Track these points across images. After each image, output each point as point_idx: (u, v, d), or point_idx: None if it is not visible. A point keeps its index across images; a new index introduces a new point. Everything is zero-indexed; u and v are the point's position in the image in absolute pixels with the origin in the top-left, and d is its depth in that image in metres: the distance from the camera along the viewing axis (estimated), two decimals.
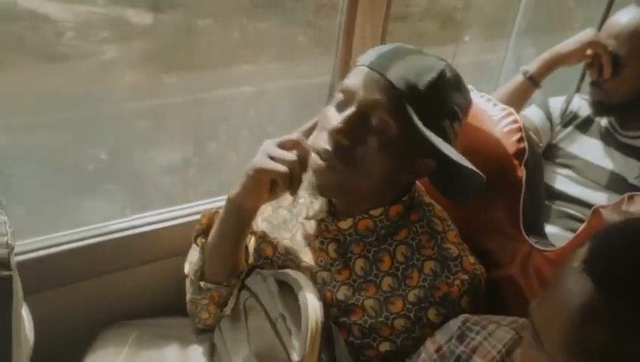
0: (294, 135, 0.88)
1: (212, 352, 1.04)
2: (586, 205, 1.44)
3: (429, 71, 0.83)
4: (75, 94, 1.99)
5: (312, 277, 0.93)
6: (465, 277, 0.86)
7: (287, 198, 0.99)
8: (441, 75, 0.83)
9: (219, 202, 1.26)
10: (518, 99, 1.49)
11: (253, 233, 1.04)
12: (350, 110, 0.82)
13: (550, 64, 1.47)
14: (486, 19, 2.94)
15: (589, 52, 1.42)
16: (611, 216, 0.81)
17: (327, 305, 0.90)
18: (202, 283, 0.95)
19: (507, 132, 0.99)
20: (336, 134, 0.82)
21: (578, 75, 1.83)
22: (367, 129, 0.82)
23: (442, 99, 0.84)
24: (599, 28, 1.51)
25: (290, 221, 1.01)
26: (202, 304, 0.99)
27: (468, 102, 0.90)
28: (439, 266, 0.86)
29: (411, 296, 0.86)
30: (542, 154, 1.40)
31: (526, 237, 0.93)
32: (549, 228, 1.42)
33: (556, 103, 1.58)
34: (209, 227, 0.97)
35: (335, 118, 0.84)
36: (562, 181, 1.51)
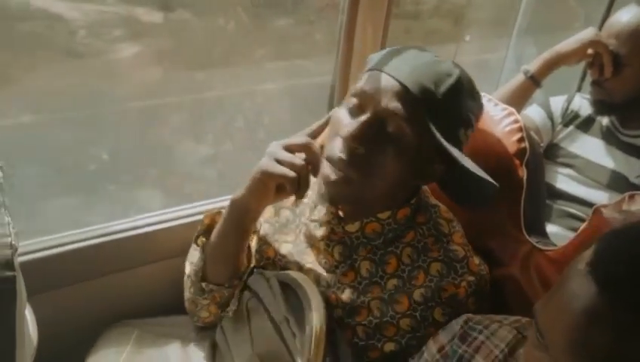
0: (303, 138, 0.86)
1: (213, 351, 1.03)
2: (587, 204, 1.44)
3: (446, 78, 0.82)
4: (98, 91, 2.03)
5: (316, 279, 0.92)
6: (471, 278, 0.86)
7: (290, 198, 0.98)
8: (458, 83, 0.82)
9: (220, 202, 1.26)
10: (519, 99, 1.49)
11: (256, 233, 1.03)
12: (366, 116, 0.81)
13: (551, 63, 1.47)
14: (487, 19, 2.94)
15: (589, 51, 1.41)
16: (612, 215, 0.81)
17: (332, 306, 0.89)
18: (204, 284, 0.94)
19: (508, 132, 0.99)
20: (351, 142, 0.80)
21: (579, 74, 1.83)
22: (383, 136, 0.81)
23: (458, 107, 0.84)
24: (600, 27, 1.51)
25: (292, 222, 1.00)
26: (203, 304, 0.98)
27: (481, 109, 0.90)
28: (445, 268, 0.86)
29: (417, 295, 0.85)
30: (543, 153, 1.40)
31: (527, 237, 0.93)
32: (550, 228, 1.42)
33: (557, 103, 1.58)
34: (210, 227, 0.96)
35: (349, 123, 0.82)
36: (563, 180, 1.51)
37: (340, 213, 0.92)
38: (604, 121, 1.51)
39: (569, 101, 1.58)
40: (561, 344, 0.49)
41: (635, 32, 1.34)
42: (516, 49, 2.32)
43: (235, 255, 0.93)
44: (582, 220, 1.40)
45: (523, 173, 0.95)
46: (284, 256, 0.97)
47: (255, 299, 0.93)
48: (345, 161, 0.81)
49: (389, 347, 0.86)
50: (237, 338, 0.95)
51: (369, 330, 0.87)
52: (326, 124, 0.90)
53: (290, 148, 0.84)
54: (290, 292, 0.88)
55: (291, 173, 0.81)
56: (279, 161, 0.82)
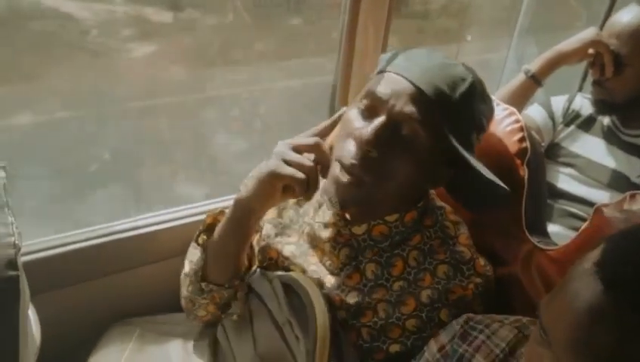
0: (311, 138, 0.84)
1: (215, 349, 1.03)
2: (589, 204, 1.44)
3: (460, 82, 0.81)
4: (114, 89, 2.08)
5: (320, 281, 0.91)
6: (478, 280, 0.86)
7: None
8: (472, 87, 0.82)
9: (222, 202, 1.27)
10: (520, 98, 1.49)
11: (258, 232, 1.02)
12: (380, 120, 0.79)
13: (552, 63, 1.48)
14: (488, 19, 2.95)
15: (590, 51, 1.42)
16: (613, 215, 0.81)
17: (336, 308, 0.87)
18: (203, 285, 0.92)
19: (509, 131, 0.99)
20: (365, 145, 0.78)
21: (580, 74, 1.83)
22: (397, 139, 0.79)
23: (472, 111, 0.83)
24: (601, 27, 1.51)
25: (296, 222, 0.99)
26: (201, 303, 0.96)
27: (492, 113, 0.89)
28: (452, 270, 0.86)
29: (424, 297, 0.85)
30: (544, 153, 1.40)
31: (529, 236, 0.93)
32: (552, 227, 1.43)
33: (558, 102, 1.59)
34: (212, 226, 0.95)
35: (361, 125, 0.81)
36: (565, 180, 1.51)
37: (347, 216, 0.91)
38: (606, 120, 1.51)
39: (570, 101, 1.58)
40: (563, 342, 0.49)
41: (636, 32, 1.34)
42: (517, 49, 2.33)
43: (236, 255, 0.92)
44: (583, 220, 1.40)
45: (524, 172, 0.95)
46: (287, 258, 0.96)
47: (257, 301, 0.93)
48: (357, 164, 0.79)
49: (395, 348, 0.85)
50: (239, 337, 0.95)
51: (374, 332, 0.86)
52: (334, 123, 0.88)
53: (298, 149, 0.83)
54: (293, 295, 0.87)
55: (300, 175, 0.80)
56: (287, 162, 0.81)
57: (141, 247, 1.18)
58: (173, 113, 2.31)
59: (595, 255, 0.50)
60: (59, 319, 1.00)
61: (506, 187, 0.82)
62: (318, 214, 0.95)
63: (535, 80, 1.48)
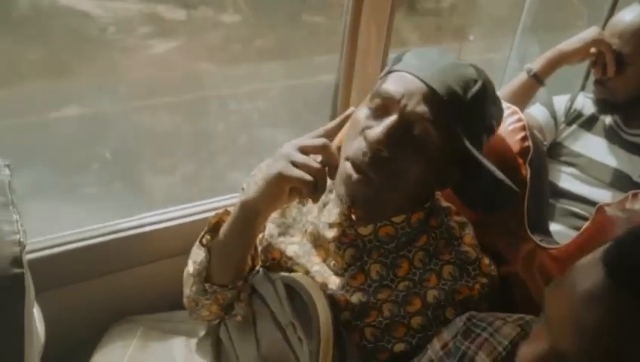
0: (318, 139, 0.83)
1: (218, 347, 1.03)
2: (591, 203, 1.44)
3: (472, 83, 0.80)
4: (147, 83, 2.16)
5: (324, 281, 0.90)
6: (484, 280, 0.86)
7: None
8: (483, 88, 0.81)
9: (225, 201, 1.27)
10: (522, 98, 1.49)
11: (261, 232, 1.01)
12: (392, 119, 0.79)
13: (554, 62, 1.48)
14: (490, 18, 2.95)
15: (593, 50, 1.42)
16: (615, 214, 0.81)
17: (340, 309, 0.87)
18: (207, 285, 0.91)
19: (511, 130, 0.99)
20: (376, 144, 0.78)
21: (583, 73, 1.83)
22: (408, 139, 0.79)
23: (483, 113, 0.83)
24: (603, 26, 1.51)
25: (299, 221, 0.98)
26: (204, 303, 0.95)
27: (502, 115, 0.89)
28: (458, 270, 0.86)
29: (430, 297, 0.85)
30: (546, 152, 1.40)
31: (530, 235, 0.94)
32: (554, 226, 1.43)
33: (560, 102, 1.59)
34: (216, 226, 0.94)
35: (372, 124, 0.80)
36: (567, 179, 1.51)
37: (353, 216, 0.90)
38: (608, 119, 1.51)
39: (572, 100, 1.58)
40: (563, 324, 0.49)
41: (638, 32, 1.34)
42: (520, 48, 2.32)
43: (240, 256, 0.91)
44: (585, 219, 1.40)
45: (526, 171, 0.95)
46: (290, 258, 0.95)
47: (260, 301, 0.92)
48: (368, 163, 0.79)
49: (399, 347, 0.85)
50: (242, 338, 0.95)
51: (378, 332, 0.86)
52: (342, 124, 0.88)
53: (305, 150, 0.81)
54: (296, 296, 0.87)
55: (308, 177, 0.78)
56: (294, 164, 0.79)
57: (145, 246, 1.18)
58: (211, 107, 2.38)
59: (604, 246, 0.51)
60: (62, 317, 1.00)
61: (515, 187, 0.82)
62: (322, 214, 0.94)
63: (537, 79, 1.48)
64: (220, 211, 0.95)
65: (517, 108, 1.03)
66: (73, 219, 1.18)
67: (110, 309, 1.15)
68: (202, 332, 1.10)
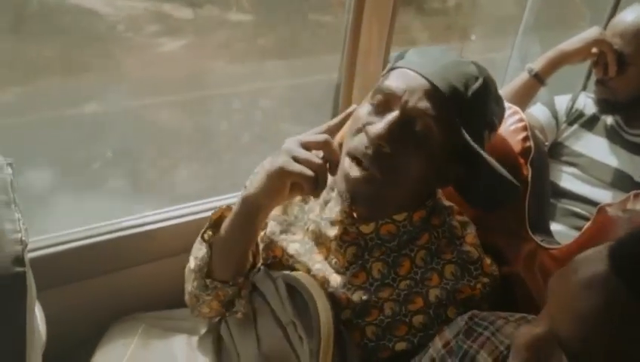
0: (320, 135, 0.82)
1: (219, 344, 1.03)
2: (592, 203, 1.44)
3: (474, 79, 0.81)
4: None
5: (325, 279, 0.90)
6: (486, 280, 0.86)
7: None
8: (485, 85, 0.82)
9: (227, 199, 1.27)
10: (523, 97, 1.49)
11: (263, 229, 1.01)
12: (393, 115, 0.79)
13: (555, 62, 1.48)
14: (492, 18, 2.95)
15: (594, 50, 1.42)
16: (617, 214, 0.81)
17: (341, 307, 0.87)
18: (208, 281, 0.91)
19: (513, 130, 0.99)
20: (378, 140, 0.78)
21: (584, 73, 1.83)
22: (410, 135, 0.79)
23: (484, 109, 0.83)
24: (605, 26, 1.51)
25: (301, 219, 0.98)
26: (205, 299, 0.95)
27: (503, 113, 0.89)
28: (460, 270, 0.86)
29: (432, 296, 0.85)
30: (547, 152, 1.40)
31: (532, 235, 0.94)
32: (555, 226, 1.43)
33: (562, 101, 1.59)
34: (218, 222, 0.94)
35: (374, 120, 0.81)
36: (568, 179, 1.51)
37: (354, 214, 0.90)
38: (609, 119, 1.51)
39: (574, 100, 1.58)
40: (563, 311, 0.49)
41: (639, 32, 1.34)
42: (521, 48, 2.32)
43: (242, 252, 0.92)
44: (586, 219, 1.40)
45: (527, 171, 0.95)
46: (291, 256, 0.95)
47: (261, 299, 0.92)
48: (370, 159, 0.79)
49: (401, 346, 0.85)
50: (243, 336, 0.95)
51: (379, 330, 0.86)
52: (343, 121, 0.88)
53: (307, 146, 0.81)
54: (297, 294, 0.87)
55: (309, 173, 0.78)
56: (296, 159, 0.79)
57: (146, 244, 1.19)
58: (218, 105, 2.42)
59: (608, 242, 0.51)
60: (64, 315, 1.00)
61: (516, 182, 0.82)
62: (324, 211, 0.94)
63: (538, 79, 1.48)
64: (222, 207, 0.95)
65: (518, 109, 1.03)
66: (93, 213, 1.20)
67: (112, 307, 1.16)
68: (203, 330, 1.10)
